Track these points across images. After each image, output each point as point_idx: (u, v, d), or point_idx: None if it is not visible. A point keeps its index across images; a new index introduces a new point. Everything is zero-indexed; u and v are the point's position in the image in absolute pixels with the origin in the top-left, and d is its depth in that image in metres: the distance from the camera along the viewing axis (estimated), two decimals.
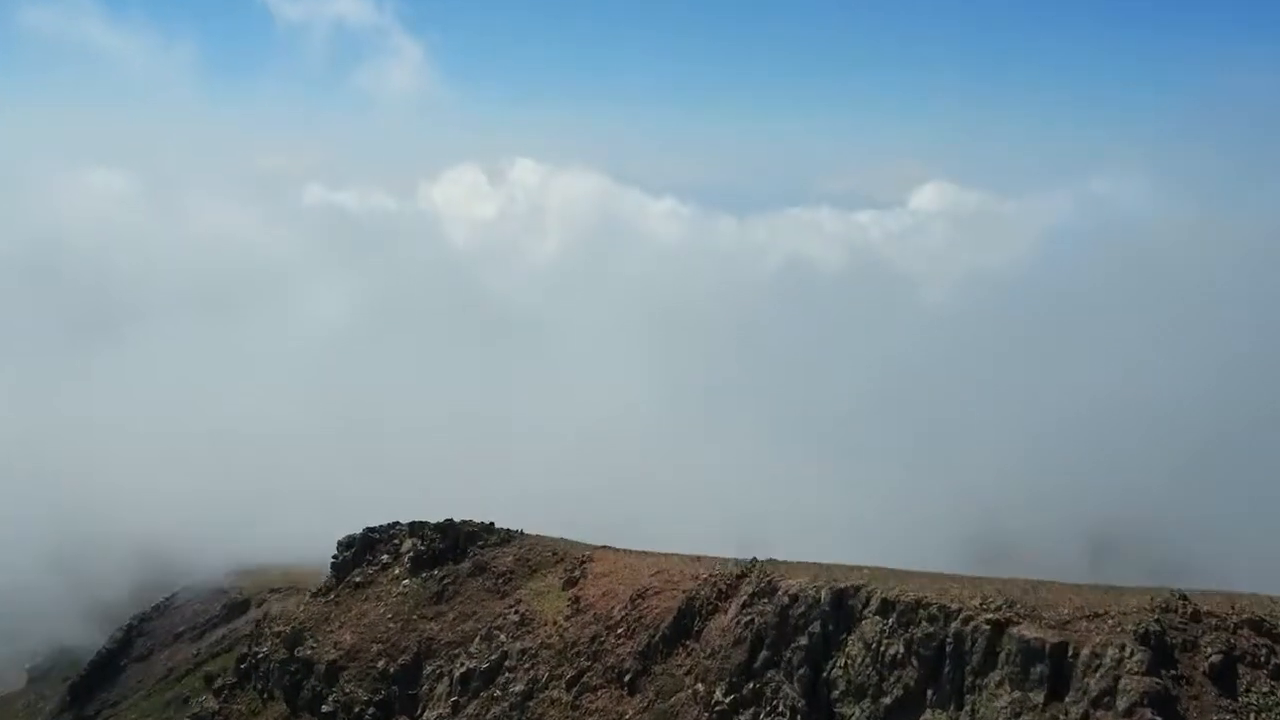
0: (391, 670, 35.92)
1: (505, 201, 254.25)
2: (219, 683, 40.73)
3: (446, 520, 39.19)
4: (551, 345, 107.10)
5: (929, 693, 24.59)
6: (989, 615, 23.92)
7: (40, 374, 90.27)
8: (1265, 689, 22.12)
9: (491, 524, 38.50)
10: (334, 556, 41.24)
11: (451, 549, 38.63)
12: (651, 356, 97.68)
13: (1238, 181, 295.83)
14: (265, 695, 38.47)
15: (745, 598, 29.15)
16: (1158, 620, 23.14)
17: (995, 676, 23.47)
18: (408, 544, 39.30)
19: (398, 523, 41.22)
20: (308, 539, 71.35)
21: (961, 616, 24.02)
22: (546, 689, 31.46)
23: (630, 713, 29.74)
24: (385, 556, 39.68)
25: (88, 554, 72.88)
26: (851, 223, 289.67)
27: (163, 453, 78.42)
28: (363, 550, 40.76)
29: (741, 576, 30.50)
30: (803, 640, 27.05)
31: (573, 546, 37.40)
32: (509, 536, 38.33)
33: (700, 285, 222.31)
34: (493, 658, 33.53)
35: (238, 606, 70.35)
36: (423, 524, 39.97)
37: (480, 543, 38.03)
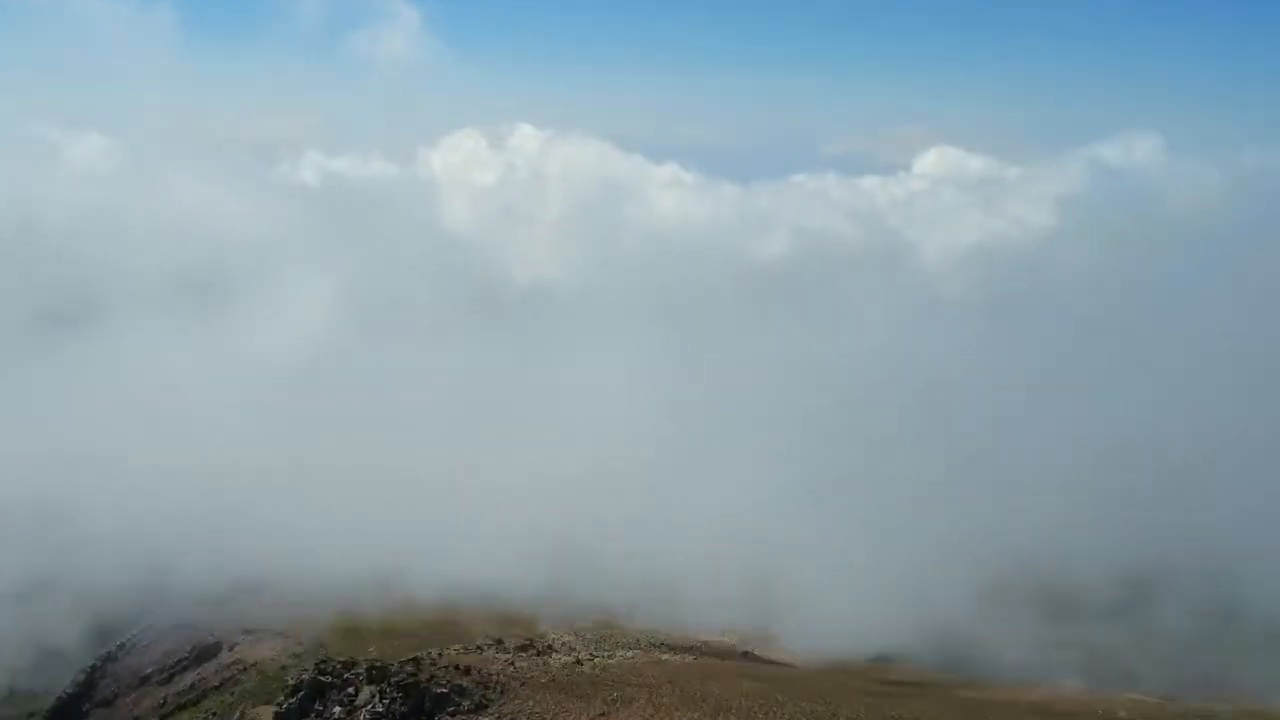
0: None
1: (505, 170, 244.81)
2: None
3: (410, 674, 31.95)
4: (552, 336, 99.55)
5: None
6: None
7: None
8: None
9: (463, 687, 31.18)
10: (278, 705, 34.31)
11: (415, 712, 31.71)
12: (654, 352, 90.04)
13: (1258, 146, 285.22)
14: None
15: None
16: None
17: None
18: (365, 693, 32.28)
19: (354, 663, 34.14)
20: (288, 570, 65.33)
21: None
22: None
23: None
24: (338, 709, 32.31)
25: (43, 584, 66.07)
26: (857, 190, 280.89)
27: (130, 469, 71.37)
28: (311, 697, 33.77)
29: None
30: None
31: (562, 708, 31.11)
32: (485, 701, 30.71)
33: (705, 262, 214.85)
34: None
35: (209, 649, 63.95)
36: (384, 670, 32.74)
37: (451, 709, 30.57)
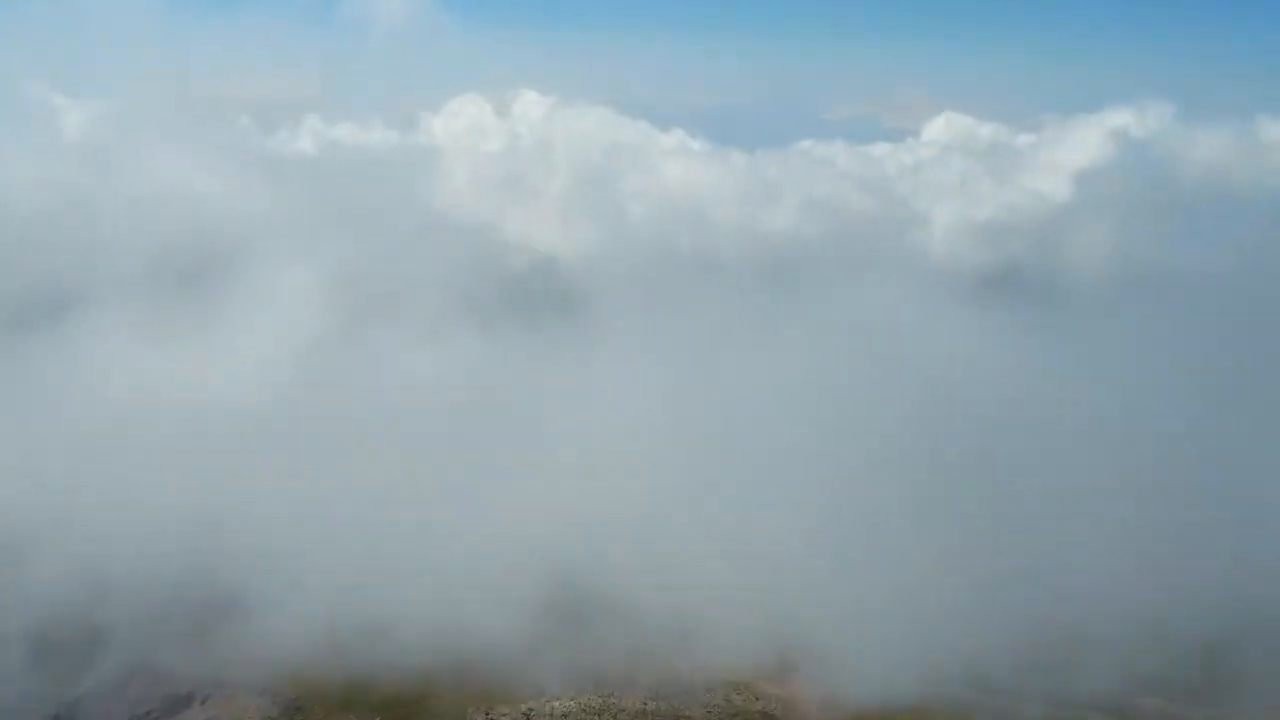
0: None
1: (509, 138, 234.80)
2: None
3: None
4: (555, 328, 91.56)
5: None
6: None
7: None
8: None
9: None
10: None
11: None
12: (663, 352, 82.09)
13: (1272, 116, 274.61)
14: None
15: None
16: None
17: None
18: None
19: None
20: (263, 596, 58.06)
21: None
22: None
23: None
24: None
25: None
26: (866, 158, 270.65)
27: (98, 485, 63.90)
28: None
29: None
30: None
31: None
32: None
33: (714, 237, 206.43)
34: None
35: (180, 700, 57.09)
36: None
37: None
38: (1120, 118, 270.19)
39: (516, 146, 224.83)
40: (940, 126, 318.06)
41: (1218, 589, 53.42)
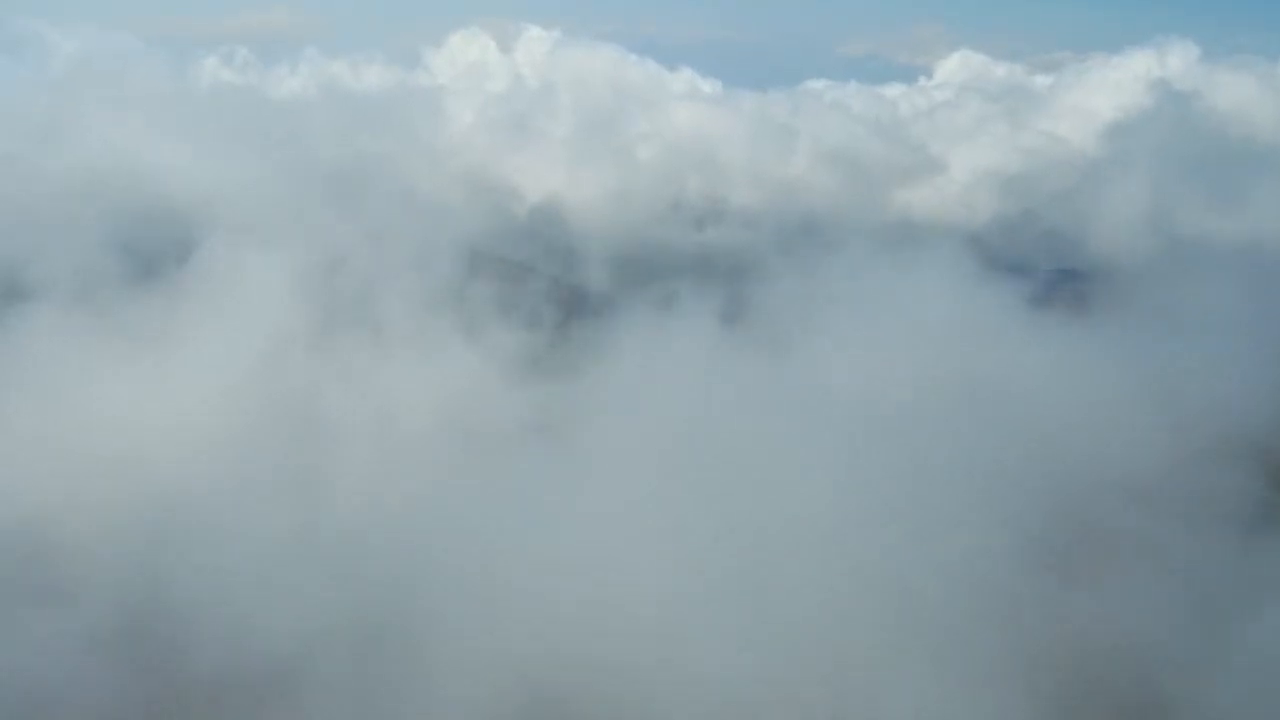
0: None
1: (512, 79, 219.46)
2: None
3: None
4: (559, 321, 79.66)
5: None
6: None
7: None
8: None
9: None
10: None
11: None
12: (684, 350, 70.11)
13: None
14: None
15: None
16: None
17: None
18: None
19: None
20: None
21: None
22: None
23: None
24: None
25: None
26: (880, 100, 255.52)
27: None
28: None
29: None
30: None
31: None
32: None
33: (729, 184, 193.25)
34: None
35: None
36: None
37: None
38: (1142, 60, 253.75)
39: (520, 89, 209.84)
40: (954, 66, 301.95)
41: None
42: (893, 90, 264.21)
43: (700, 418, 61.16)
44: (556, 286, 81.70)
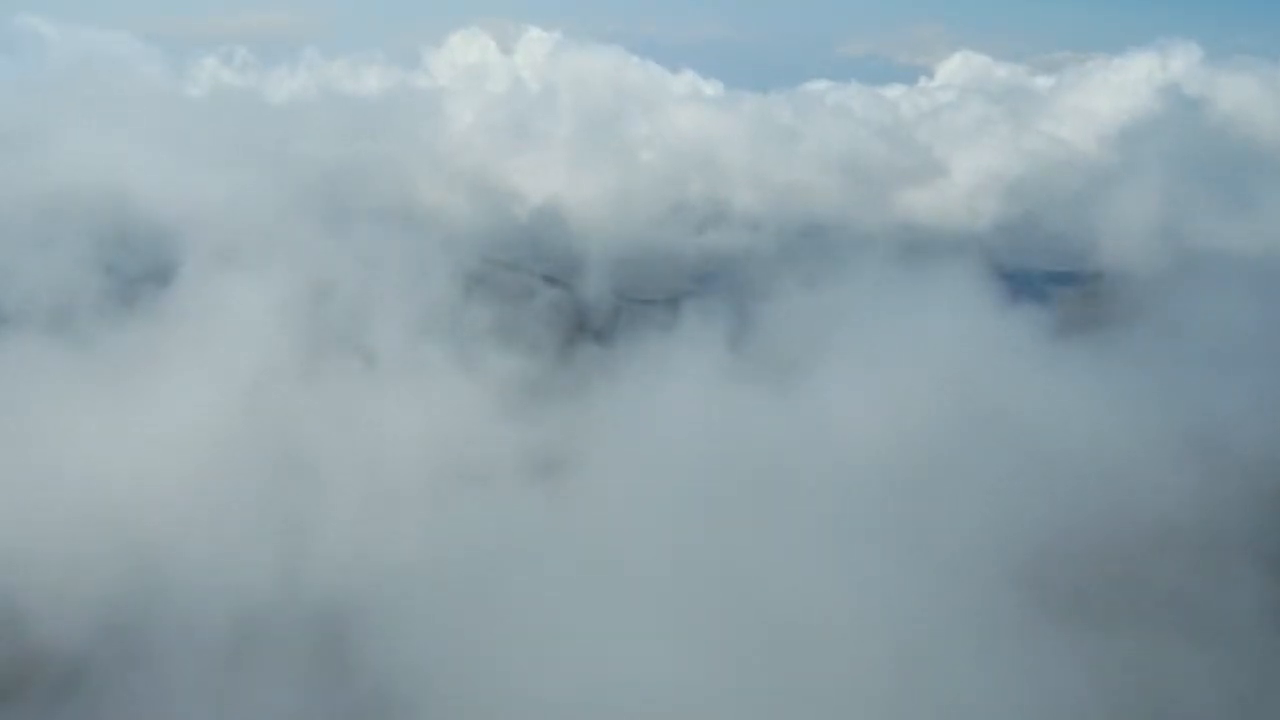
0: None
1: (513, 82, 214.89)
2: None
3: None
4: (565, 331, 75.44)
5: None
6: None
7: None
8: None
9: None
10: None
11: None
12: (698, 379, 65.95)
13: None
14: None
15: None
16: None
17: None
18: None
19: None
20: None
21: None
22: None
23: None
24: None
25: None
26: (882, 101, 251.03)
27: None
28: None
29: None
30: None
31: None
32: None
33: (730, 186, 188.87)
34: None
35: None
36: None
37: None
38: (1145, 62, 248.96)
39: (520, 92, 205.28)
40: (955, 66, 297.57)
41: None
42: (894, 91, 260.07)
43: (709, 454, 57.31)
44: (558, 307, 77.27)
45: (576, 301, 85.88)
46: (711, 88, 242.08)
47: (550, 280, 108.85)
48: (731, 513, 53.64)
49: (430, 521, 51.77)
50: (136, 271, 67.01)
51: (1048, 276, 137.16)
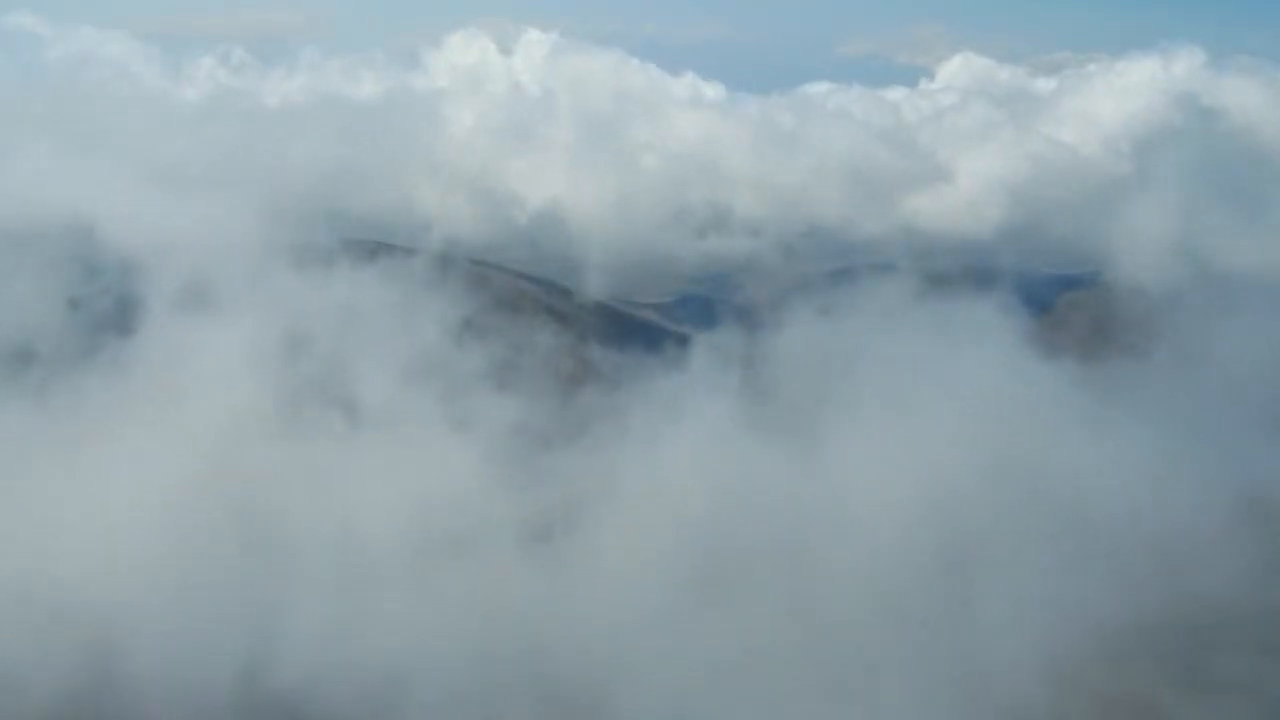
0: None
1: (512, 85, 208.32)
2: None
3: None
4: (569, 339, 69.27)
5: None
6: None
7: None
8: None
9: None
10: None
11: None
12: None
13: None
14: None
15: None
16: None
17: None
18: None
19: None
20: None
21: None
22: None
23: None
24: None
25: None
26: (883, 103, 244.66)
27: None
28: None
29: None
30: None
31: None
32: None
33: (731, 193, 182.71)
34: None
35: None
36: None
37: None
38: (1147, 65, 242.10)
39: (520, 96, 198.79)
40: (955, 68, 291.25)
41: None
42: (895, 93, 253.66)
43: (719, 521, 51.75)
44: (553, 354, 71.15)
45: (577, 339, 79.62)
46: (712, 90, 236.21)
47: (549, 285, 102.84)
48: (742, 592, 48.16)
49: (415, 601, 46.11)
50: (98, 310, 60.88)
51: (1052, 280, 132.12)
